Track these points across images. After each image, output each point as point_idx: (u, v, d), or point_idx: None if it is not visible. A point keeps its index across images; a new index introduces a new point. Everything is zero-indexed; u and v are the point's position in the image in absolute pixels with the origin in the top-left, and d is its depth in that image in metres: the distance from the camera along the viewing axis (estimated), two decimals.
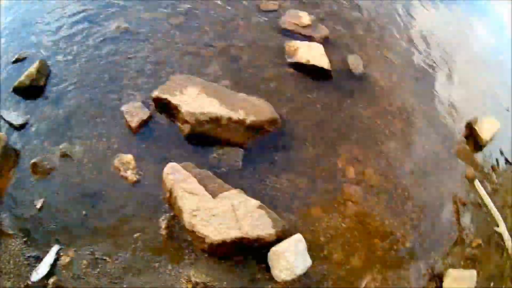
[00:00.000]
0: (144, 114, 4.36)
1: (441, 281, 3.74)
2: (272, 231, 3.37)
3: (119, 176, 4.10)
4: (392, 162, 4.26)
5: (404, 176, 4.23)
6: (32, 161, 4.46)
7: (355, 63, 4.73)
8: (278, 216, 3.52)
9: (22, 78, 5.03)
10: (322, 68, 4.38)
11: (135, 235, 3.67)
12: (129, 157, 4.20)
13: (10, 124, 4.87)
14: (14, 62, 5.39)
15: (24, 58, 5.38)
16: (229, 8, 5.22)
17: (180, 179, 3.54)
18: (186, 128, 4.01)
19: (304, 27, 4.85)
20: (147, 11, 5.32)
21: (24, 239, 3.94)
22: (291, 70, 4.56)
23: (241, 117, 3.85)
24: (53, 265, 3.73)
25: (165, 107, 4.26)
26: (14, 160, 4.61)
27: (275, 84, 4.43)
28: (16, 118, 4.91)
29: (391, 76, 4.93)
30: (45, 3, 6.03)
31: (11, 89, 5.07)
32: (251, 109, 3.93)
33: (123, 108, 4.44)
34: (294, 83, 4.50)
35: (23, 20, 5.85)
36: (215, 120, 3.87)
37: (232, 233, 3.27)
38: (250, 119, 3.86)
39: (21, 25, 5.80)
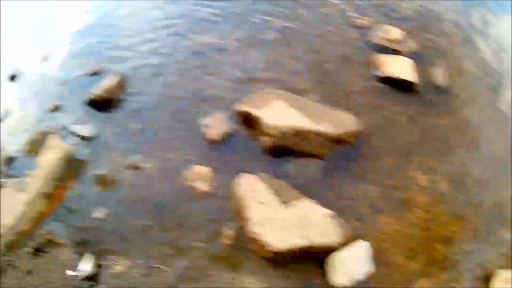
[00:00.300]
0: (225, 127, 4.22)
1: (490, 281, 3.61)
2: (339, 239, 3.37)
3: (191, 187, 3.98)
4: (464, 171, 4.25)
5: (474, 184, 4.20)
6: (99, 172, 4.40)
7: (439, 76, 4.73)
8: (347, 223, 3.57)
9: (99, 91, 4.98)
10: (407, 81, 4.41)
11: (195, 244, 3.61)
12: (205, 169, 4.04)
13: (79, 136, 4.84)
14: (92, 74, 5.40)
15: (102, 72, 5.38)
16: (322, 24, 5.29)
17: (251, 188, 3.55)
18: (269, 141, 3.95)
19: (393, 41, 4.86)
20: (237, 28, 5.33)
21: (76, 248, 3.93)
22: (378, 83, 4.55)
23: (325, 130, 3.86)
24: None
25: (248, 121, 4.13)
26: (79, 170, 4.56)
27: (361, 97, 4.42)
28: (86, 130, 4.86)
29: (471, 88, 4.91)
30: (129, 14, 6.18)
31: (86, 101, 5.06)
32: (335, 122, 3.93)
33: (205, 121, 4.34)
34: (380, 96, 4.51)
35: (105, 31, 5.99)
36: (299, 133, 3.85)
37: (298, 242, 3.30)
38: (333, 132, 3.87)
39: (103, 36, 5.90)
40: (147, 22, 5.73)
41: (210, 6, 5.73)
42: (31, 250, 4.04)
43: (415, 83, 4.50)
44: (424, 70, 4.76)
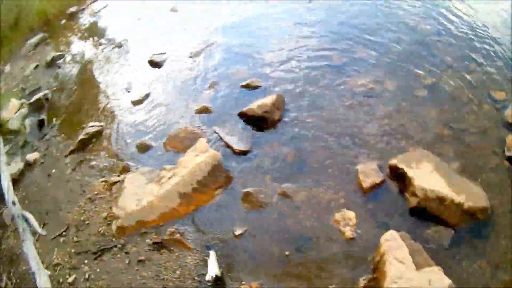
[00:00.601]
0: (377, 177, 4.23)
1: None
2: None
3: (336, 229, 3.98)
4: None
5: None
6: (246, 189, 4.42)
7: None
8: None
9: (254, 106, 5.06)
10: None
11: (329, 286, 3.58)
12: (351, 214, 4.03)
13: (230, 147, 4.88)
14: (245, 86, 5.63)
15: (257, 87, 5.61)
16: (464, 91, 5.20)
17: (395, 246, 3.54)
18: (414, 201, 3.99)
19: None
20: (395, 79, 5.41)
21: (202, 255, 4.04)
22: (508, 163, 4.37)
23: (461, 201, 3.84)
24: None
25: (398, 176, 4.20)
26: (224, 181, 4.58)
27: (492, 174, 4.30)
28: (237, 143, 4.88)
29: None
30: (285, 33, 6.61)
31: (239, 113, 5.19)
32: (470, 194, 3.91)
33: (358, 167, 4.35)
34: (509, 175, 4.29)
35: (258, 46, 6.41)
36: (440, 199, 3.88)
37: None
38: (467, 204, 3.83)
39: (255, 51, 6.29)
40: (297, 41, 6.22)
41: (366, 45, 5.95)
42: (150, 241, 4.20)
43: None
44: None
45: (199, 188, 4.39)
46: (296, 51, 6.10)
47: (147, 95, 6.11)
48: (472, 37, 5.98)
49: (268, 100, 5.02)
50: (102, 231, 4.41)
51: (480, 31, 6.09)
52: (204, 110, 5.39)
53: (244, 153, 4.77)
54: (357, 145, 4.63)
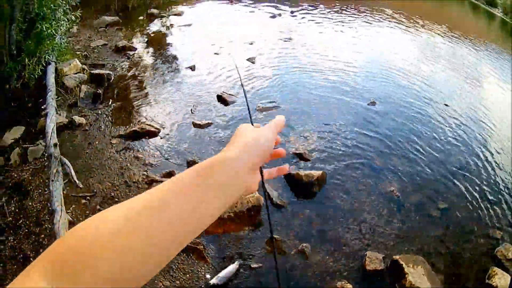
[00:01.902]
0: (380, 265, 5.03)
1: None
2: None
3: None
4: None
5: None
6: (274, 235, 5.16)
7: None
8: None
9: (302, 174, 5.99)
10: None
11: None
12: (349, 286, 4.71)
13: (270, 198, 5.65)
14: (297, 155, 6.58)
15: (308, 160, 6.56)
16: (469, 223, 6.10)
17: None
18: None
19: (508, 259, 5.53)
20: (418, 192, 6.43)
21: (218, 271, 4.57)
22: None
23: None
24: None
25: (396, 269, 5.00)
26: (256, 222, 5.28)
27: None
28: (277, 197, 5.70)
29: None
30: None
31: (283, 175, 5.99)
32: None
33: (367, 253, 5.15)
34: None
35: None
36: None
37: None
38: None
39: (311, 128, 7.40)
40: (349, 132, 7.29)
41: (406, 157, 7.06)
42: None
43: None
44: None
45: (234, 218, 4.89)
46: (347, 142, 7.14)
47: (208, 124, 6.82)
48: (495, 176, 7.18)
49: (315, 173, 5.96)
50: None
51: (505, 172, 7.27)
52: None
53: (280, 207, 5.55)
54: (371, 236, 5.47)
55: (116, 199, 5.08)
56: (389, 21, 15.67)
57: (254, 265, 4.71)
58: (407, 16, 16.74)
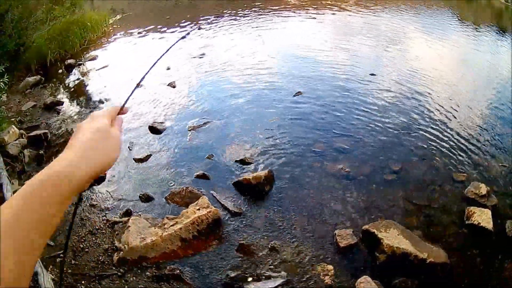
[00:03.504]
0: (352, 240, 5.01)
1: None
2: None
3: (317, 277, 4.62)
4: None
5: None
6: (241, 242, 5.05)
7: (510, 226, 5.28)
8: None
9: (250, 177, 5.93)
10: (487, 229, 5.06)
11: None
12: (330, 267, 4.71)
13: (226, 209, 5.60)
14: (239, 161, 6.60)
15: (249, 163, 6.53)
16: (428, 175, 6.27)
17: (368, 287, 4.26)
18: (382, 257, 4.76)
19: (481, 196, 5.64)
20: (366, 162, 6.51)
21: None
22: (466, 230, 5.20)
23: (424, 257, 4.65)
24: None
25: (369, 239, 5.00)
26: (220, 235, 5.23)
27: (452, 239, 5.12)
28: (232, 206, 5.64)
29: None
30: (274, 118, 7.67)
31: (231, 182, 6.06)
32: (431, 252, 4.74)
33: (336, 231, 5.13)
34: (465, 239, 5.13)
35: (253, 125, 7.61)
36: (405, 255, 4.69)
37: None
38: (429, 259, 4.63)
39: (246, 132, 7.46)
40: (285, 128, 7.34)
41: (343, 137, 7.19)
42: (150, 274, 4.67)
43: (492, 231, 5.10)
44: (500, 222, 5.38)
45: (199, 236, 5.02)
46: (283, 137, 7.25)
47: (148, 156, 6.84)
48: (438, 128, 7.47)
49: (262, 173, 5.96)
50: (102, 260, 4.84)
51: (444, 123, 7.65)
52: (202, 176, 6.21)
53: (238, 214, 5.49)
54: (335, 216, 5.48)
55: (86, 249, 5.11)
56: (294, 11, 16.08)
57: (232, 275, 4.63)
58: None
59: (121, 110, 0.93)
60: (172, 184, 6.13)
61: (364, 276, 4.43)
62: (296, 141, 7.13)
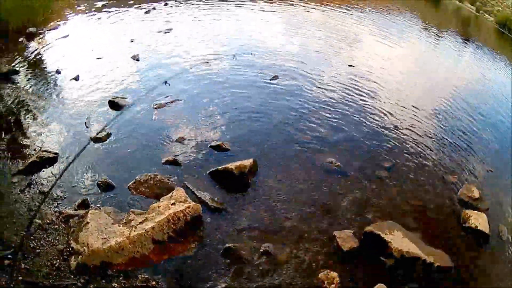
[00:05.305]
0: (354, 242, 4.45)
1: None
2: None
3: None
4: None
5: None
6: (227, 245, 4.21)
7: (503, 230, 5.23)
8: None
9: (232, 166, 5.05)
10: (484, 233, 4.99)
11: None
12: (334, 274, 4.04)
13: (203, 202, 4.67)
14: (214, 147, 5.63)
15: (227, 150, 5.64)
16: (419, 174, 5.78)
17: None
18: (391, 261, 4.32)
19: (474, 199, 5.50)
20: (356, 157, 5.87)
21: None
22: (463, 232, 4.97)
23: (431, 261, 4.32)
24: None
25: (373, 241, 4.49)
26: (203, 235, 4.34)
27: (451, 242, 4.81)
28: (211, 199, 4.75)
29: None
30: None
31: (207, 171, 5.15)
32: (437, 256, 4.42)
33: (335, 233, 4.50)
34: (465, 242, 4.88)
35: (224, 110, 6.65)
36: (414, 259, 4.30)
37: None
38: (437, 264, 4.31)
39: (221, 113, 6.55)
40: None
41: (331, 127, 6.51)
42: (117, 286, 3.70)
43: (488, 234, 5.00)
44: (493, 225, 5.22)
45: (175, 238, 4.14)
46: (262, 123, 6.44)
47: (108, 135, 5.78)
48: (429, 126, 7.03)
49: (246, 163, 5.13)
50: (57, 265, 3.81)
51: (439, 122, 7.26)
52: (172, 162, 5.26)
53: (218, 210, 4.62)
54: (328, 215, 4.83)
55: (38, 250, 4.06)
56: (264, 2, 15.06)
57: (218, 286, 3.84)
58: None
59: None
60: (136, 171, 5.10)
61: (379, 284, 3.92)
62: (278, 129, 6.32)
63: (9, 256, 3.94)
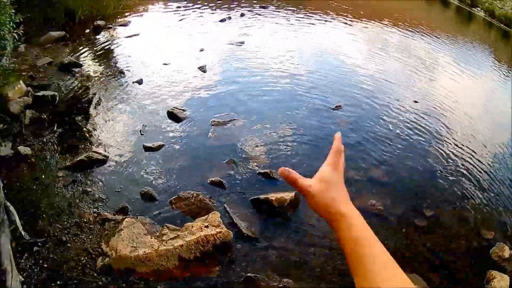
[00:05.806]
0: None
1: None
2: None
3: None
4: None
5: None
6: (249, 274, 4.18)
7: None
8: None
9: (272, 198, 4.98)
10: None
11: None
12: None
13: (238, 228, 4.70)
14: (262, 174, 5.54)
15: (275, 179, 5.48)
16: (457, 227, 5.47)
17: None
18: None
19: (503, 259, 5.13)
20: (400, 202, 5.61)
21: None
22: None
23: None
24: None
25: None
26: (228, 260, 4.34)
27: None
28: (247, 227, 4.75)
29: None
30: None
31: (250, 197, 5.13)
32: None
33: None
34: None
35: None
36: None
37: None
38: None
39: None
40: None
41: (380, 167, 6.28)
42: None
43: None
44: None
45: (201, 259, 4.32)
46: (316, 157, 6.18)
47: (161, 146, 6.00)
48: (476, 177, 6.52)
49: (287, 196, 5.07)
50: (84, 261, 4.12)
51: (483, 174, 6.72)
52: (218, 184, 5.41)
53: (250, 238, 4.69)
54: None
55: (68, 244, 4.22)
56: (339, 20, 14.79)
57: None
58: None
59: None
60: (180, 186, 5.31)
61: None
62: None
63: (39, 243, 4.07)
